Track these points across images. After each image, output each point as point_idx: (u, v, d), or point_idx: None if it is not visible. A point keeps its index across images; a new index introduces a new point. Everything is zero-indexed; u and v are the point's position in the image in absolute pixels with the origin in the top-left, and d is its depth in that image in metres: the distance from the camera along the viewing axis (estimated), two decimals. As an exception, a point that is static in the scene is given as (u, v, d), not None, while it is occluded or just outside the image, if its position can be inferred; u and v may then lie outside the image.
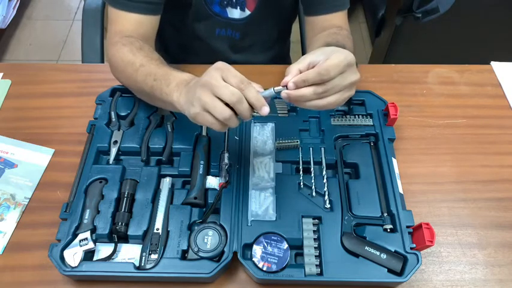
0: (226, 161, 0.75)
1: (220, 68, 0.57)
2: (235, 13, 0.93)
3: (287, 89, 0.58)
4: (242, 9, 0.92)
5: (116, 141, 0.78)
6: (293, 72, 0.58)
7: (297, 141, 0.78)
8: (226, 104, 0.56)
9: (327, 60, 0.57)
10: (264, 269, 0.65)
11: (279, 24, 1.02)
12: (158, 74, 0.69)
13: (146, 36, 0.82)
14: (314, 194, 0.73)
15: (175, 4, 0.88)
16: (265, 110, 0.56)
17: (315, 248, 0.67)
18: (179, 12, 0.92)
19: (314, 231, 0.69)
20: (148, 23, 0.82)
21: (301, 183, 0.74)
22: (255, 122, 0.82)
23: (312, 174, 0.75)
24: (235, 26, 0.95)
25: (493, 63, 1.00)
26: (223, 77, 0.56)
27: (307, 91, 0.57)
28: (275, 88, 0.58)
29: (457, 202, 0.78)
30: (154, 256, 0.66)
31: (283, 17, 1.02)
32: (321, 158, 0.77)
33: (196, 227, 0.68)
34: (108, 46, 0.81)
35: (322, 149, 0.78)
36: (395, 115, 0.79)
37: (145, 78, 0.71)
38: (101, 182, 0.73)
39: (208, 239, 0.67)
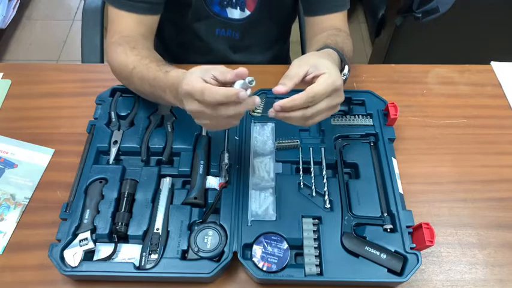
0: (226, 161, 0.75)
1: (185, 93, 0.58)
2: (235, 13, 0.93)
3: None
4: (242, 10, 0.92)
5: (116, 141, 0.78)
6: (285, 87, 0.59)
7: (297, 141, 0.78)
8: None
9: (314, 86, 0.59)
10: (264, 269, 0.64)
11: (279, 25, 1.02)
12: (150, 79, 0.70)
13: (145, 36, 0.82)
14: (314, 194, 0.73)
15: (175, 4, 0.88)
16: (242, 95, 0.55)
17: (315, 248, 0.67)
18: (179, 12, 0.92)
19: (314, 231, 0.69)
20: (147, 22, 0.82)
21: (301, 183, 0.74)
22: (255, 122, 0.82)
23: (312, 174, 0.75)
24: (235, 26, 0.95)
25: (493, 63, 1.00)
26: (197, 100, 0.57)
27: (294, 115, 0.59)
28: (247, 79, 0.56)
29: (457, 202, 0.78)
30: (154, 256, 0.66)
31: (283, 18, 1.02)
32: (321, 158, 0.77)
33: (196, 227, 0.68)
34: (106, 46, 0.81)
35: (322, 149, 0.78)
36: (395, 115, 0.79)
37: (141, 82, 0.72)
38: (101, 182, 0.73)
39: (208, 239, 0.67)
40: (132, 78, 0.74)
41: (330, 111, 0.62)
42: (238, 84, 0.56)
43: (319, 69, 0.60)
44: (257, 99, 0.57)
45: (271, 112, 0.60)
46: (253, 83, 0.56)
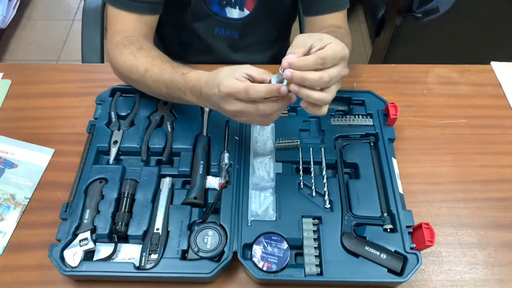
0: (226, 161, 0.75)
1: (225, 95, 0.59)
2: (234, 13, 0.93)
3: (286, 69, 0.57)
4: (241, 9, 0.92)
5: (116, 141, 0.78)
6: (295, 54, 0.58)
7: (297, 141, 0.78)
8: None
9: (324, 49, 0.57)
10: (264, 269, 0.64)
11: (278, 25, 1.02)
12: (166, 81, 0.71)
13: (146, 35, 0.82)
14: (314, 194, 0.73)
15: (175, 3, 0.88)
16: (283, 90, 0.58)
17: (315, 248, 0.67)
18: (179, 11, 0.92)
19: (314, 231, 0.69)
20: (148, 22, 0.82)
21: (301, 183, 0.74)
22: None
23: (312, 174, 0.75)
24: (234, 26, 0.95)
25: (493, 63, 1.00)
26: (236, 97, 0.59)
27: (312, 76, 0.56)
28: (281, 69, 0.58)
29: (457, 202, 0.78)
30: (154, 256, 0.66)
31: (282, 18, 1.02)
32: (321, 158, 0.77)
33: (196, 227, 0.68)
34: (109, 47, 0.81)
35: (322, 149, 0.78)
36: (395, 115, 0.79)
37: (156, 84, 0.73)
38: (101, 182, 0.73)
39: (208, 239, 0.67)
40: (144, 80, 0.74)
41: (338, 84, 0.60)
42: (274, 79, 0.59)
43: (324, 41, 0.58)
44: (293, 96, 0.60)
45: (287, 71, 0.56)
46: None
